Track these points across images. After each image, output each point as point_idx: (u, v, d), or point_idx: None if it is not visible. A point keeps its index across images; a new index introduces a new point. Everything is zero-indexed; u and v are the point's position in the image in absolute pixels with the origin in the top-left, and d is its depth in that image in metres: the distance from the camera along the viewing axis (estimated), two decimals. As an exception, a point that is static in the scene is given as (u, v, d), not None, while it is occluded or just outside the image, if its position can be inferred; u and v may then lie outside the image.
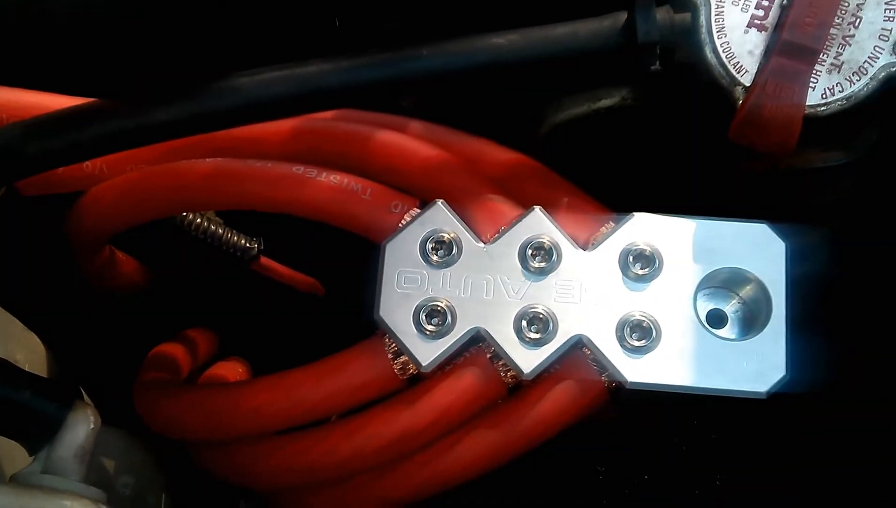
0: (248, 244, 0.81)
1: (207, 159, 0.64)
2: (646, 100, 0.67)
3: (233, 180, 0.62)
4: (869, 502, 0.72)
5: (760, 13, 0.57)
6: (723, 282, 0.59)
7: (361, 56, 0.58)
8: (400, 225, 0.60)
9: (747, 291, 0.59)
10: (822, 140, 0.64)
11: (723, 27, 0.57)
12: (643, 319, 0.57)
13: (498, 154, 0.65)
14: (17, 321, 0.67)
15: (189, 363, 0.79)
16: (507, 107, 0.72)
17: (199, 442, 0.64)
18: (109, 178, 0.68)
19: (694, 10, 0.58)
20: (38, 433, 0.53)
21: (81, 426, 0.54)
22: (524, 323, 0.57)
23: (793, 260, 0.60)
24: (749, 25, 0.57)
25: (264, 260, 0.82)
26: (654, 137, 0.69)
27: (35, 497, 0.47)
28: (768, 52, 0.56)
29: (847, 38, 0.57)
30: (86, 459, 0.54)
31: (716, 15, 0.57)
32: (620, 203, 0.63)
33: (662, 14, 0.58)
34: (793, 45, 0.56)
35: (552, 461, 0.85)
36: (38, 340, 0.70)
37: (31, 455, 0.53)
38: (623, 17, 0.57)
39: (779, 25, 0.56)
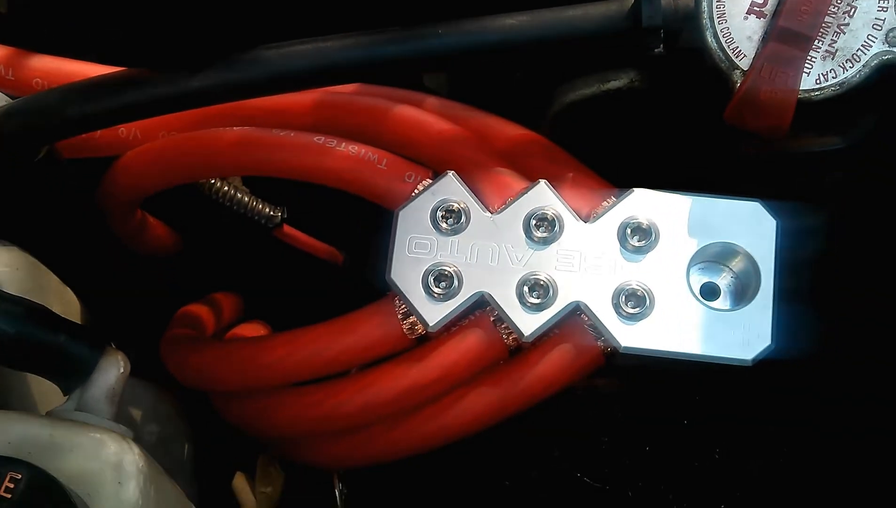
0: (272, 212, 0.85)
1: (234, 128, 0.68)
2: (653, 82, 0.70)
3: (257, 148, 0.66)
4: (860, 468, 0.75)
5: (760, 0, 0.60)
6: (716, 256, 0.62)
7: (380, 32, 0.61)
8: (413, 194, 0.64)
9: (739, 265, 0.62)
10: (818, 125, 0.67)
11: (723, 13, 0.60)
12: (638, 288, 0.60)
13: (507, 130, 0.68)
14: (54, 275, 0.71)
15: (214, 322, 0.83)
16: (521, 85, 0.76)
17: (222, 393, 0.69)
18: (143, 143, 0.72)
19: (697, -3, 0.61)
20: (72, 374, 0.57)
21: (112, 369, 0.58)
22: (526, 289, 0.61)
23: (788, 237, 0.63)
24: (748, 12, 0.60)
25: (287, 228, 0.86)
26: (659, 117, 0.72)
27: (68, 430, 0.52)
28: (765, 38, 0.59)
29: (842, 27, 0.59)
30: (115, 400, 0.58)
31: (717, 1, 0.60)
32: (625, 180, 0.67)
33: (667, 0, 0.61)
34: (788, 32, 0.59)
35: (559, 428, 0.89)
36: (73, 295, 0.74)
37: (65, 395, 0.58)
38: (630, 1, 0.61)
39: (776, 13, 0.59)
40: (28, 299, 0.58)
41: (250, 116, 0.69)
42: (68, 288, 0.74)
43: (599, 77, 0.72)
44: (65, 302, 0.73)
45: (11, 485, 0.45)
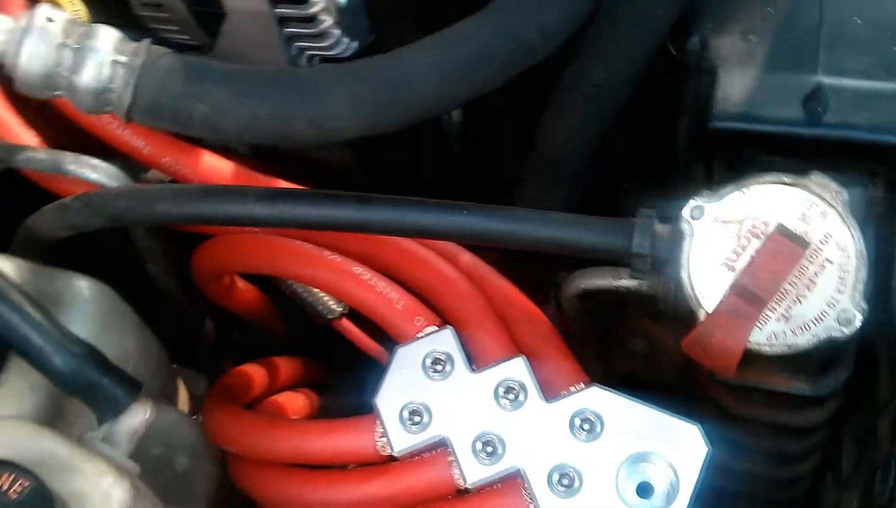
0: (334, 306, 0.99)
1: (300, 243, 0.82)
2: (657, 290, 0.79)
3: (309, 266, 0.80)
4: None
5: (733, 257, 0.68)
6: (652, 459, 0.70)
7: (420, 201, 0.74)
8: (416, 336, 0.76)
9: (669, 474, 0.70)
10: (789, 368, 0.74)
11: (699, 258, 0.69)
12: (571, 470, 0.69)
13: (516, 300, 0.79)
14: (137, 317, 0.87)
15: (262, 385, 0.97)
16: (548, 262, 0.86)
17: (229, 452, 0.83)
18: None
19: (682, 237, 0.70)
20: (107, 410, 0.72)
21: (139, 415, 0.73)
22: (480, 443, 0.71)
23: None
24: (721, 264, 0.68)
25: (346, 322, 1.00)
26: (654, 323, 0.81)
27: (83, 456, 0.65)
28: (729, 290, 0.68)
29: (800, 297, 0.67)
30: (135, 439, 0.73)
31: (696, 247, 0.69)
32: (613, 367, 0.76)
33: (661, 230, 0.70)
34: (746, 291, 0.67)
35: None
36: (152, 336, 0.90)
37: (99, 424, 0.73)
38: (630, 224, 0.70)
39: (743, 271, 0.68)
40: (90, 342, 0.73)
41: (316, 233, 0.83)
42: (149, 330, 0.89)
43: (613, 272, 0.81)
44: (142, 342, 0.88)
45: (20, 489, 0.60)
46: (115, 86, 0.68)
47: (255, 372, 0.98)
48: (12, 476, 0.60)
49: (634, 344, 0.94)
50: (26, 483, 0.60)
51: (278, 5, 0.93)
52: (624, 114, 0.83)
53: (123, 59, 0.68)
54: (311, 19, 0.94)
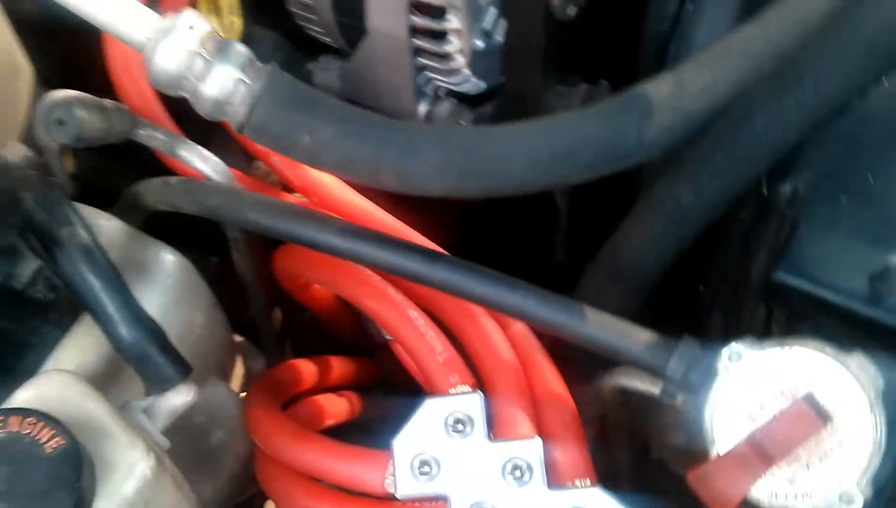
0: (394, 328, 1.03)
1: (369, 272, 0.87)
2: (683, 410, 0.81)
3: (370, 297, 0.85)
4: None
5: (758, 408, 0.69)
6: (631, 573, 0.73)
7: (481, 271, 0.78)
8: (447, 392, 0.80)
9: (641, 592, 0.72)
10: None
11: (725, 401, 0.70)
12: (555, 562, 0.73)
13: (553, 382, 0.82)
14: (210, 293, 0.94)
15: (310, 384, 1.03)
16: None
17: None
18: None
19: (716, 374, 0.71)
20: (155, 384, 0.78)
21: (182, 396, 0.79)
22: (476, 511, 0.75)
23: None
24: (744, 412, 0.70)
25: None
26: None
27: (120, 425, 0.72)
28: (743, 439, 0.69)
29: (809, 465, 0.68)
30: (173, 416, 0.79)
31: (725, 389, 0.71)
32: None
33: (699, 362, 0.72)
34: (759, 446, 0.68)
35: None
36: (221, 315, 0.97)
37: (145, 395, 0.79)
38: (672, 347, 0.73)
39: (762, 425, 0.69)
40: (160, 312, 0.80)
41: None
42: (220, 309, 0.96)
43: (653, 380, 0.83)
44: (211, 319, 0.95)
45: (55, 445, 0.67)
46: (234, 101, 0.73)
47: (304, 369, 1.04)
48: (52, 432, 0.66)
49: (670, 437, 0.96)
50: (62, 441, 0.66)
51: (417, 36, 0.97)
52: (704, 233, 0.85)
53: (247, 79, 0.73)
54: (445, 56, 0.98)
